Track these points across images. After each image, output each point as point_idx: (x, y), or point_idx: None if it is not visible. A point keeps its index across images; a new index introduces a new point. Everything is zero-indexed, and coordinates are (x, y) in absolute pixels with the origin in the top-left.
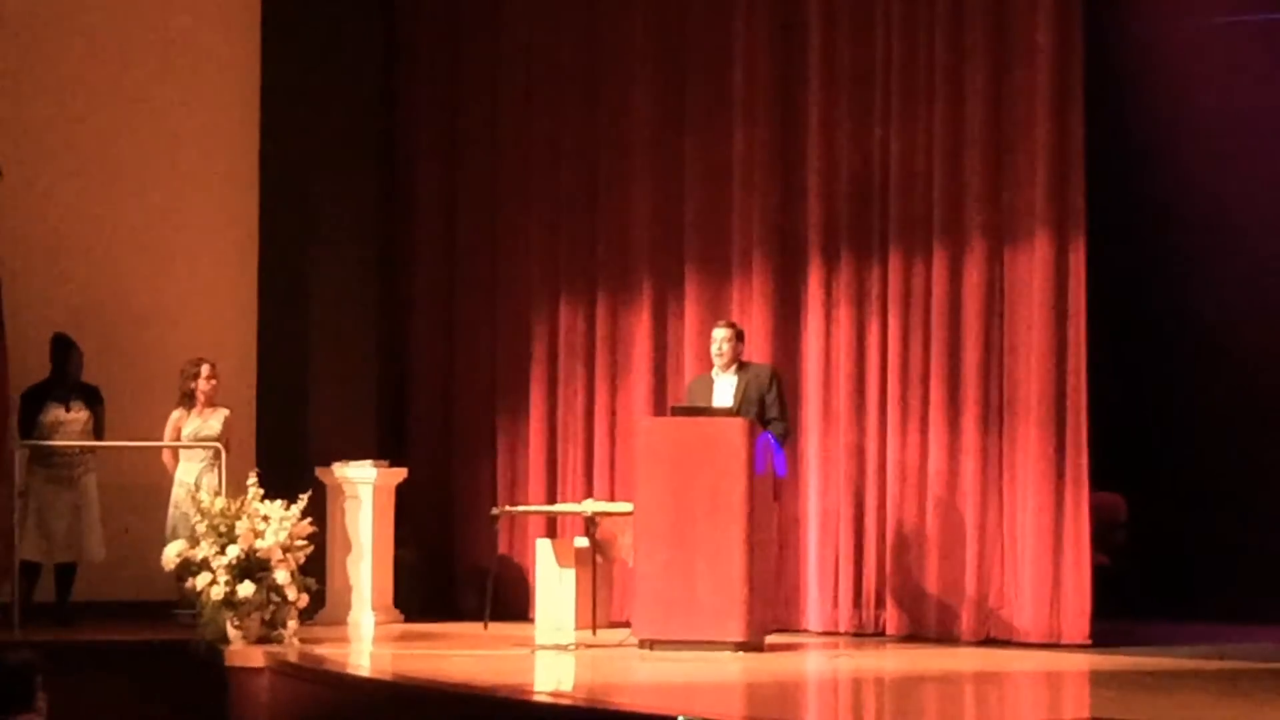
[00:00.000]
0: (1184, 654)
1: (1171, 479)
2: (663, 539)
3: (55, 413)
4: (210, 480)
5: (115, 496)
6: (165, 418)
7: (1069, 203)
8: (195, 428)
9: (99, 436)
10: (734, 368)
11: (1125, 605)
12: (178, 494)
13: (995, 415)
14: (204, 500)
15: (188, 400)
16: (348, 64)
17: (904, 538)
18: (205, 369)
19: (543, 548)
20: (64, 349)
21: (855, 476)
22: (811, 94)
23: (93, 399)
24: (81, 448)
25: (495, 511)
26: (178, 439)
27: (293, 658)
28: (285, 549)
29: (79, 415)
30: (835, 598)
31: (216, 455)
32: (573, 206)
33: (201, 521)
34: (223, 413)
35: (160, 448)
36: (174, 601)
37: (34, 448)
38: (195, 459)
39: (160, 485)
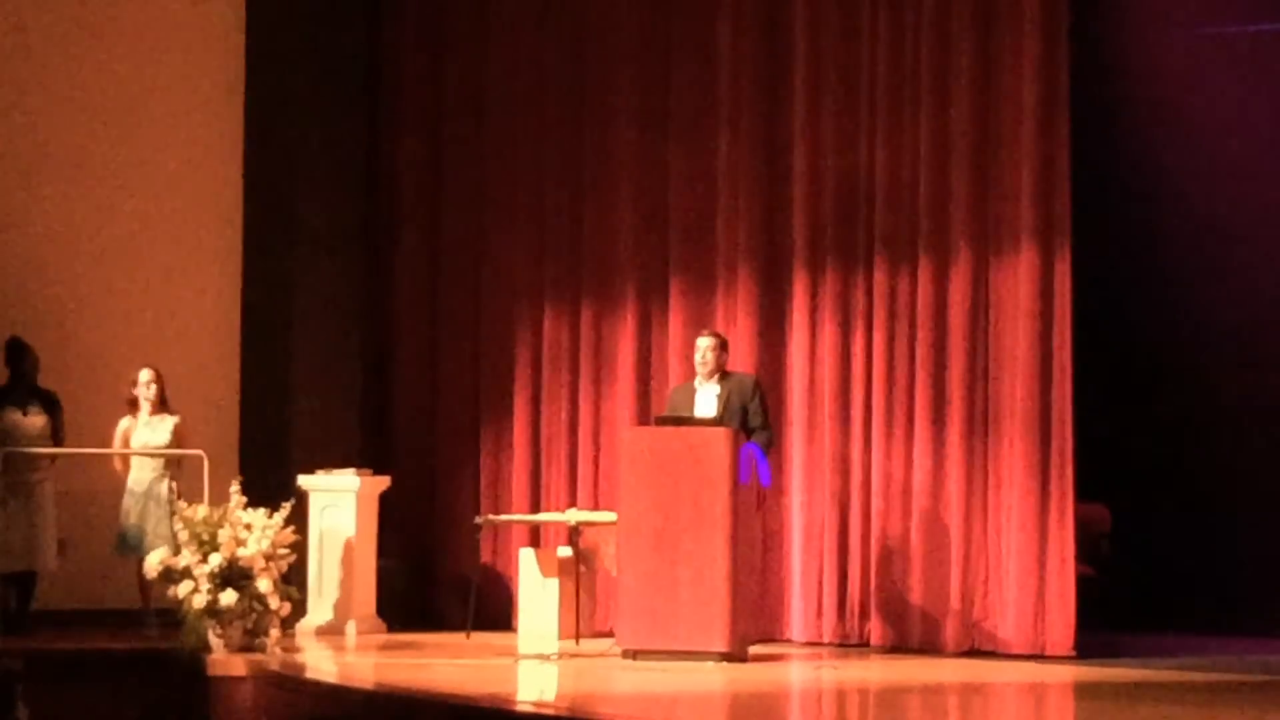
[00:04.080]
0: (1169, 665)
1: (1156, 490)
2: (646, 548)
3: (12, 417)
4: (162, 489)
5: (76, 504)
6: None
7: (1054, 213)
8: (144, 436)
9: (57, 443)
10: (716, 377)
11: (1110, 616)
12: (127, 503)
13: (980, 426)
14: (183, 508)
15: (132, 408)
16: (332, 71)
17: (888, 548)
18: (143, 375)
19: (526, 557)
20: (19, 353)
21: (840, 487)
22: (797, 104)
23: (51, 404)
24: (41, 455)
25: (478, 520)
26: (127, 446)
27: (275, 666)
28: (268, 557)
29: (36, 420)
30: (819, 608)
31: (169, 464)
32: (557, 215)
33: (183, 529)
34: (171, 421)
35: (111, 455)
36: (167, 610)
37: None
38: (146, 467)
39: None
